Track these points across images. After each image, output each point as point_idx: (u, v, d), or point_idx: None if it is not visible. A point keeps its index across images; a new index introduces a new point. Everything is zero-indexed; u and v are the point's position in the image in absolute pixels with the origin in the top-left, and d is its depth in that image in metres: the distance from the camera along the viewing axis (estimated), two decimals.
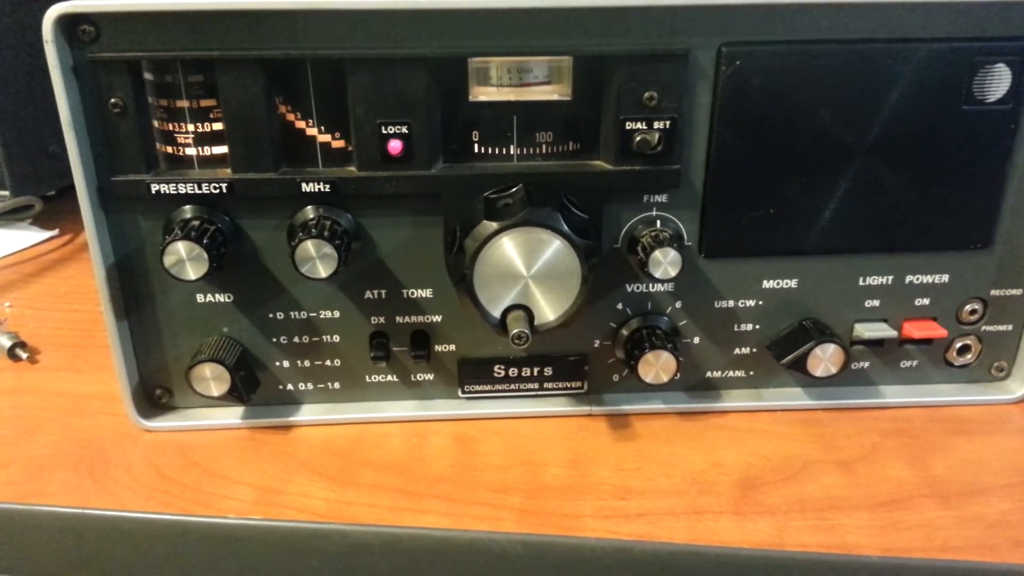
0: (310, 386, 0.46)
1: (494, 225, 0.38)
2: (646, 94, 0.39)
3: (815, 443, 0.44)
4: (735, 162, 0.41)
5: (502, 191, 0.40)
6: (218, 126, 0.39)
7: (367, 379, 0.45)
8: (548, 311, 0.40)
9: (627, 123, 0.39)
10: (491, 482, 0.41)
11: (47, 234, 0.70)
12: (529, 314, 0.40)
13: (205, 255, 0.38)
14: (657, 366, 0.43)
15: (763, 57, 0.39)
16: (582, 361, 0.45)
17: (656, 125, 0.39)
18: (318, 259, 0.39)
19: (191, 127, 0.39)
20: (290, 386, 0.45)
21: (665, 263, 0.40)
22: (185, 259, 0.39)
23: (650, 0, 0.37)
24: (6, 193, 0.68)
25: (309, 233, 0.38)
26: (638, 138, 0.39)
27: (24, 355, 0.52)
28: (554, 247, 0.39)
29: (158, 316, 0.43)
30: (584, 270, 0.39)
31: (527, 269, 0.39)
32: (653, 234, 0.41)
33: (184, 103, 0.39)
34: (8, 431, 0.45)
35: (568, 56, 0.39)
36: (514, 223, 0.38)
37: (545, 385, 0.46)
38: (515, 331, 0.39)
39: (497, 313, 0.40)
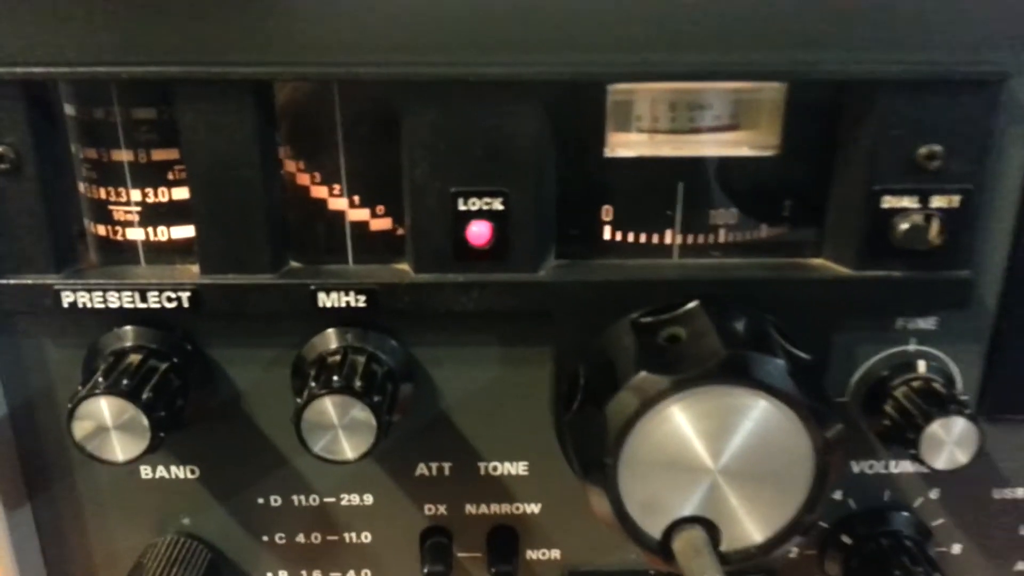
0: None
1: (662, 381, 0.25)
2: (923, 149, 0.27)
3: None
4: None
5: (660, 313, 0.28)
6: (180, 192, 0.29)
7: None
8: (750, 526, 0.27)
9: (885, 198, 0.28)
10: None
11: None
12: (714, 532, 0.27)
13: (145, 422, 0.27)
14: None
15: None
16: None
17: (936, 203, 0.28)
18: (342, 429, 0.27)
19: (135, 194, 0.29)
20: None
21: (950, 443, 0.28)
22: (110, 427, 0.27)
23: None
24: None
25: (327, 382, 0.27)
26: (904, 226, 0.28)
27: None
28: (762, 415, 0.26)
29: (79, 499, 0.32)
30: (819, 452, 0.26)
31: (714, 457, 0.27)
32: (917, 385, 0.30)
33: (124, 154, 0.28)
34: None
35: (780, 83, 0.28)
36: (695, 377, 0.25)
37: None
38: (689, 564, 0.25)
39: (657, 531, 0.27)
